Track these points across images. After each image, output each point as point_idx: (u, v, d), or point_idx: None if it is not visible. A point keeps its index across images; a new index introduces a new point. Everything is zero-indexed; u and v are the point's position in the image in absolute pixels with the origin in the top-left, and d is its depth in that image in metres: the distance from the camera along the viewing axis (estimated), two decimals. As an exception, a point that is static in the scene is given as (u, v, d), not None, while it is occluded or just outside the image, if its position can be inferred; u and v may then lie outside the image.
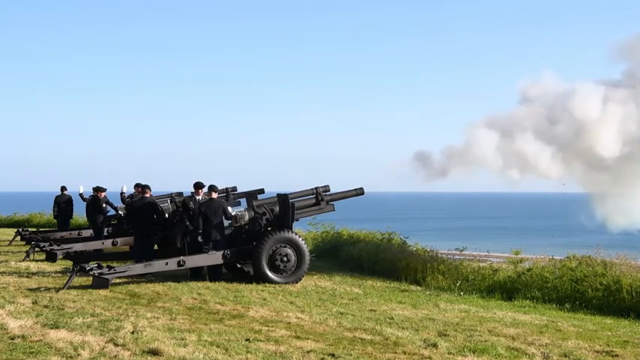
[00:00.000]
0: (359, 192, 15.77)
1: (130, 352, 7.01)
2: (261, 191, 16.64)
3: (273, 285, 12.73)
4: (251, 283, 12.89)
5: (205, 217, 13.24)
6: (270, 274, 13.09)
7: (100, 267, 11.89)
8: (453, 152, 20.25)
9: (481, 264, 15.46)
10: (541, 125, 19.23)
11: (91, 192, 18.68)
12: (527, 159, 19.07)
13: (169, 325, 8.51)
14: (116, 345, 7.31)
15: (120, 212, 18.56)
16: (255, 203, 14.18)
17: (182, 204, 14.67)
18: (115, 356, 6.90)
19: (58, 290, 11.16)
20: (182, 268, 12.80)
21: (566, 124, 18.83)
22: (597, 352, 7.90)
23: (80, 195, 19.29)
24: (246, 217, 13.86)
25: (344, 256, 18.06)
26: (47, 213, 29.02)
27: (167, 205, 16.12)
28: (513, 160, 19.36)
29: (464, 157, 19.90)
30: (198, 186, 14.29)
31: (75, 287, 11.53)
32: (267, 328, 8.57)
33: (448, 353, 7.49)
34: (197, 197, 14.24)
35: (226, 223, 13.62)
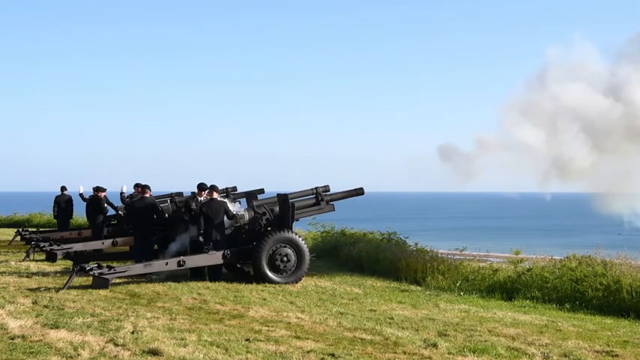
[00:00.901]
0: (359, 192, 15.77)
1: (130, 352, 7.02)
2: (261, 191, 16.64)
3: (273, 285, 12.73)
4: (251, 283, 12.89)
5: (206, 217, 13.24)
6: (270, 274, 13.09)
7: (100, 267, 11.90)
8: (486, 143, 17.89)
9: (481, 264, 15.46)
10: (590, 119, 16.72)
11: (91, 192, 18.69)
12: (571, 163, 16.90)
13: (169, 325, 8.51)
14: (116, 345, 7.31)
15: (120, 212, 18.56)
16: (255, 203, 14.18)
17: (184, 204, 14.65)
18: (115, 356, 6.90)
19: (58, 290, 11.16)
20: (182, 268, 12.80)
21: (624, 118, 16.36)
22: (597, 352, 7.90)
23: (80, 195, 19.28)
24: (246, 217, 13.86)
25: (344, 256, 18.06)
26: (47, 213, 29.02)
27: (167, 205, 16.11)
28: (555, 162, 17.25)
29: (501, 148, 17.73)
30: (201, 188, 14.28)
31: (75, 287, 11.54)
32: (267, 328, 8.57)
33: (448, 353, 7.49)
34: (199, 199, 14.23)
35: (227, 223, 13.62)
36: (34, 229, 22.09)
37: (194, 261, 12.98)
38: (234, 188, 18.21)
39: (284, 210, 13.64)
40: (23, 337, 7.60)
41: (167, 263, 12.65)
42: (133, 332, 7.89)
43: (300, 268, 13.32)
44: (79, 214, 23.10)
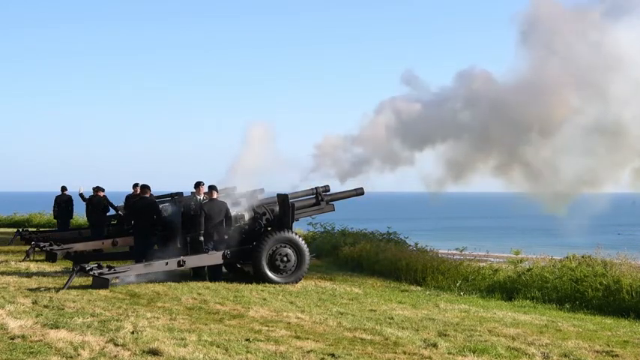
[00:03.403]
0: (359, 192, 15.78)
1: (130, 352, 7.01)
2: (261, 191, 16.62)
3: (273, 285, 12.73)
4: (251, 283, 12.89)
5: (207, 217, 13.24)
6: (270, 274, 13.10)
7: (100, 267, 11.90)
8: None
9: (481, 264, 15.47)
10: None
11: (91, 192, 18.68)
12: None
13: (169, 325, 8.50)
14: (116, 345, 7.31)
15: (120, 212, 18.55)
16: (255, 203, 14.19)
17: (184, 205, 14.63)
18: (115, 356, 6.90)
19: (58, 290, 11.16)
20: (182, 268, 12.80)
21: None
22: (597, 352, 7.90)
23: (80, 195, 19.27)
24: (246, 217, 13.86)
25: (344, 256, 18.06)
26: (47, 213, 28.98)
27: (167, 205, 16.07)
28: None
29: None
30: (199, 184, 14.28)
31: (75, 287, 11.53)
32: (267, 328, 8.56)
33: (448, 353, 7.49)
34: (198, 197, 14.22)
35: None
36: (34, 229, 22.06)
37: (194, 261, 12.98)
38: (234, 188, 18.18)
39: (284, 210, 13.64)
40: (23, 337, 7.59)
41: (167, 263, 12.65)
42: (133, 332, 7.89)
43: (300, 268, 13.32)
44: (79, 214, 23.09)
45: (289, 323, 8.95)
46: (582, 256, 14.62)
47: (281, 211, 13.77)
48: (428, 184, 16.56)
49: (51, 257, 15.60)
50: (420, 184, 16.83)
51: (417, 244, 18.60)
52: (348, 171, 15.96)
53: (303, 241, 13.60)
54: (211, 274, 13.32)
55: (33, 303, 9.88)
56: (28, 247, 17.09)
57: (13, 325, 8.17)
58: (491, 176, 16.16)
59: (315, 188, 15.04)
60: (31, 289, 11.31)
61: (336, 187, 15.74)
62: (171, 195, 16.53)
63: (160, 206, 14.50)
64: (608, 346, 8.26)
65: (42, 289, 11.39)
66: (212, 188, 13.61)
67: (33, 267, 14.71)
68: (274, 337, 7.99)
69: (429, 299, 12.11)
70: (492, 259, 18.46)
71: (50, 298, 10.38)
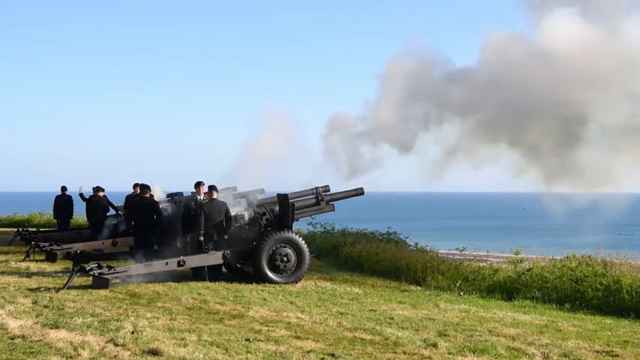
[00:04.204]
0: (359, 192, 15.77)
1: (130, 352, 7.01)
2: (261, 191, 16.62)
3: (273, 285, 12.73)
4: (251, 283, 12.89)
5: (207, 217, 13.25)
6: (270, 274, 13.10)
7: (100, 267, 11.90)
8: None
9: (481, 264, 15.46)
10: None
11: (90, 192, 18.67)
12: None
13: (169, 325, 8.50)
14: (116, 345, 7.31)
15: (120, 212, 18.54)
16: (255, 203, 14.18)
17: (184, 205, 14.62)
18: (115, 356, 6.90)
19: (58, 290, 11.16)
20: (182, 268, 12.80)
21: None
22: (597, 352, 7.90)
23: (80, 195, 19.26)
24: (246, 217, 13.86)
25: (344, 256, 18.06)
26: (47, 213, 28.98)
27: (167, 205, 16.05)
28: None
29: None
30: (199, 184, 14.28)
31: (75, 287, 11.53)
32: (267, 328, 8.56)
33: (448, 353, 7.49)
34: (198, 197, 14.22)
35: None
36: (34, 229, 22.05)
37: (194, 261, 12.98)
38: (235, 188, 18.17)
39: (284, 210, 13.64)
40: (23, 337, 7.59)
41: (167, 263, 12.65)
42: (133, 332, 7.89)
43: (300, 268, 13.32)
44: (79, 214, 23.08)
45: (289, 323, 8.95)
46: (582, 256, 14.61)
47: (281, 211, 13.77)
48: (427, 171, 16.51)
49: (51, 257, 15.60)
50: (419, 180, 16.82)
51: (417, 244, 18.60)
52: (356, 156, 15.84)
53: (303, 241, 13.60)
54: (211, 274, 13.32)
55: (33, 303, 9.88)
56: (28, 247, 17.10)
57: (13, 325, 8.17)
58: (512, 174, 15.99)
59: (315, 188, 15.04)
60: (31, 289, 11.31)
61: (338, 187, 15.79)
62: (171, 195, 16.53)
63: (160, 206, 14.52)
64: (608, 346, 8.26)
65: (42, 289, 11.39)
66: (212, 188, 13.61)
67: (33, 267, 14.71)
68: (274, 337, 7.99)
69: (429, 299, 12.11)
70: (492, 259, 18.45)
71: (50, 298, 10.38)
